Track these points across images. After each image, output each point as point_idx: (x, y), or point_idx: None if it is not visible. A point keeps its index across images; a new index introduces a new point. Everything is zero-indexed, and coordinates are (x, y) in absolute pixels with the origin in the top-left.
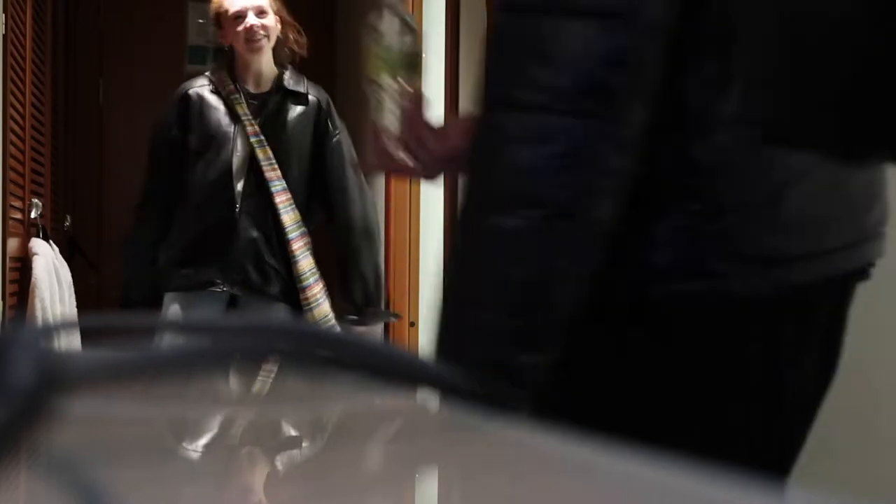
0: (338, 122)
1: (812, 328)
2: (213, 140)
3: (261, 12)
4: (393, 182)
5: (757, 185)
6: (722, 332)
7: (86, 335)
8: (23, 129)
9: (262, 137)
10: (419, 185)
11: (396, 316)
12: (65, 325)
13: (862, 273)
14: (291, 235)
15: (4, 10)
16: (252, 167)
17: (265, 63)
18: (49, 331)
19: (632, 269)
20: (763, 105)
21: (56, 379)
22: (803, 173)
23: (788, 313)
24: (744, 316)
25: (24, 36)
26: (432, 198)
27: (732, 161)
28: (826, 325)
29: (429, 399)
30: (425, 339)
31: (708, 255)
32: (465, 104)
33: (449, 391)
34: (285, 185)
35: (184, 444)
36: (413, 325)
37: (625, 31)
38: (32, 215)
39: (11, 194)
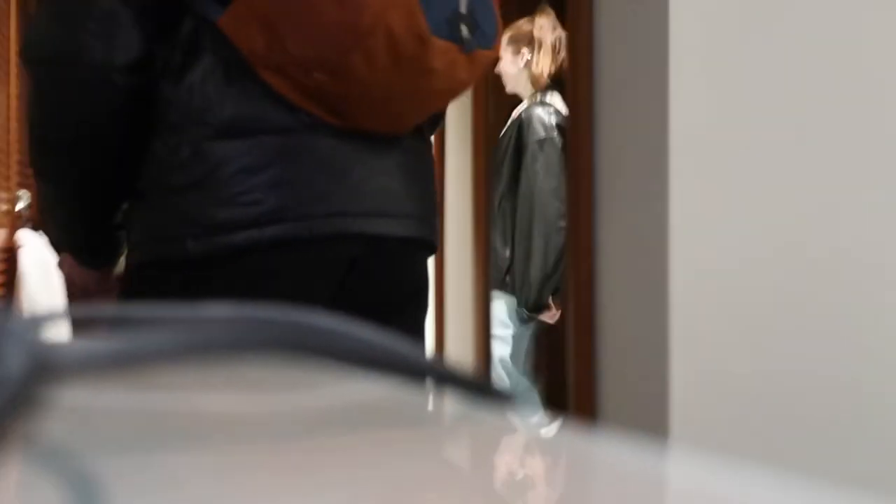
0: None
1: (277, 278)
2: None
3: None
4: None
5: (203, 172)
6: (187, 284)
7: (75, 325)
8: (7, 119)
9: None
10: None
11: None
12: (54, 316)
13: (372, 241)
14: None
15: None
16: None
17: None
18: (39, 321)
19: (132, 238)
20: (210, 111)
21: (46, 368)
22: (241, 161)
23: (243, 268)
24: (203, 271)
25: (9, 28)
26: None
27: (188, 154)
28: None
29: (422, 389)
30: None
31: (172, 226)
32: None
33: (444, 381)
34: None
35: (175, 435)
36: None
37: (71, 73)
38: (18, 207)
39: None
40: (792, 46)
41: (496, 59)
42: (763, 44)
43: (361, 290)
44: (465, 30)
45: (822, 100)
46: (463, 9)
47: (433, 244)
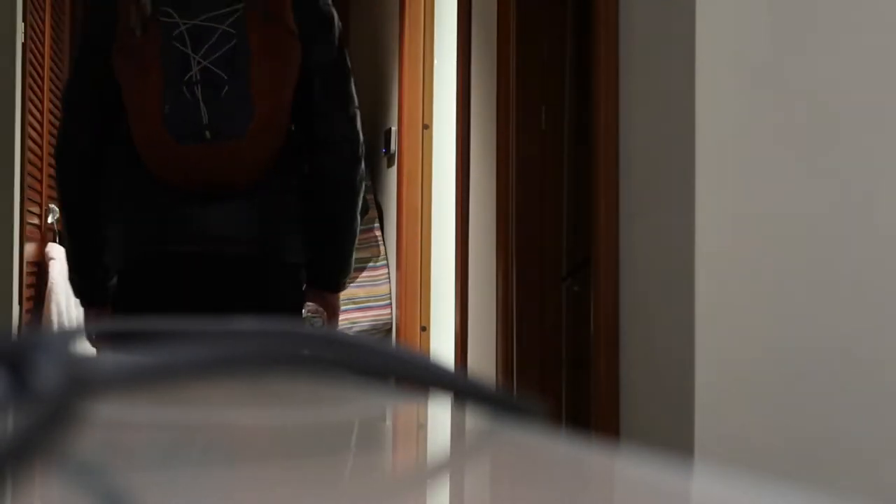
0: None
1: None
2: None
3: None
4: (404, 187)
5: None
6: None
7: (102, 339)
8: (40, 135)
9: None
10: (430, 190)
11: None
12: (85, 330)
13: (202, 256)
14: None
15: (23, 19)
16: None
17: None
18: (73, 335)
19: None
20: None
21: (82, 383)
22: (121, 202)
23: (136, 272)
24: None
25: (43, 44)
26: (445, 202)
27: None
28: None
29: (444, 403)
30: (437, 343)
31: (119, 246)
32: (477, 105)
33: (467, 396)
34: None
35: (205, 449)
36: (424, 329)
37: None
38: (49, 220)
39: (29, 199)
40: (822, 50)
41: (253, 139)
42: (792, 48)
43: (203, 293)
44: (207, 134)
45: (854, 104)
46: (205, 120)
47: (268, 259)
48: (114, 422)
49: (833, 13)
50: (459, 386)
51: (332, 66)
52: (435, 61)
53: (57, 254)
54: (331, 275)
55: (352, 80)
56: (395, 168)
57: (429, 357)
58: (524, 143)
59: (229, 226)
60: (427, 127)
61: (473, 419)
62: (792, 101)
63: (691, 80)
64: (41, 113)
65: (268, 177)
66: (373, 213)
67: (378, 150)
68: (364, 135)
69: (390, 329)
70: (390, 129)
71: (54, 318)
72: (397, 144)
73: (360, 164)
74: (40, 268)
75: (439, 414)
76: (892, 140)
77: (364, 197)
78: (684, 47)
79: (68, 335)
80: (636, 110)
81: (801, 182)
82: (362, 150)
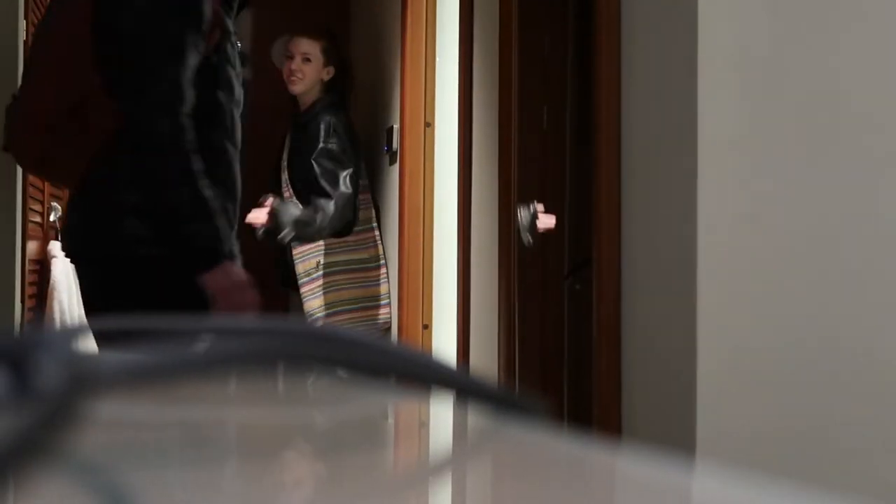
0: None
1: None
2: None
3: (306, 59)
4: (406, 185)
5: None
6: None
7: (103, 338)
8: None
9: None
10: (432, 188)
11: None
12: (86, 328)
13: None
14: None
15: (25, 17)
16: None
17: (301, 93)
18: (75, 334)
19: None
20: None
21: (84, 382)
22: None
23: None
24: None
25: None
26: (446, 200)
27: None
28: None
29: (446, 402)
30: (439, 341)
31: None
32: (479, 103)
33: (468, 394)
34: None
35: (208, 449)
36: (426, 327)
37: None
38: (51, 218)
39: (31, 198)
40: (824, 49)
41: (25, 142)
42: (793, 47)
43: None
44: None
45: (855, 102)
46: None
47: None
48: (115, 420)
49: (834, 11)
50: (461, 384)
51: (135, 39)
52: (437, 59)
53: (59, 252)
54: (198, 255)
55: (172, 54)
56: (396, 166)
57: (431, 355)
58: (526, 142)
59: (72, 227)
60: (429, 125)
61: (475, 417)
62: (794, 100)
63: (693, 79)
64: None
65: (96, 172)
66: (370, 212)
67: (380, 147)
68: (364, 135)
69: (389, 328)
70: (392, 126)
71: (56, 316)
72: (399, 142)
73: (166, 158)
74: (42, 266)
75: (441, 412)
76: (893, 138)
77: (356, 197)
78: (686, 46)
79: (70, 334)
80: (638, 110)
81: (803, 181)
82: (163, 140)
